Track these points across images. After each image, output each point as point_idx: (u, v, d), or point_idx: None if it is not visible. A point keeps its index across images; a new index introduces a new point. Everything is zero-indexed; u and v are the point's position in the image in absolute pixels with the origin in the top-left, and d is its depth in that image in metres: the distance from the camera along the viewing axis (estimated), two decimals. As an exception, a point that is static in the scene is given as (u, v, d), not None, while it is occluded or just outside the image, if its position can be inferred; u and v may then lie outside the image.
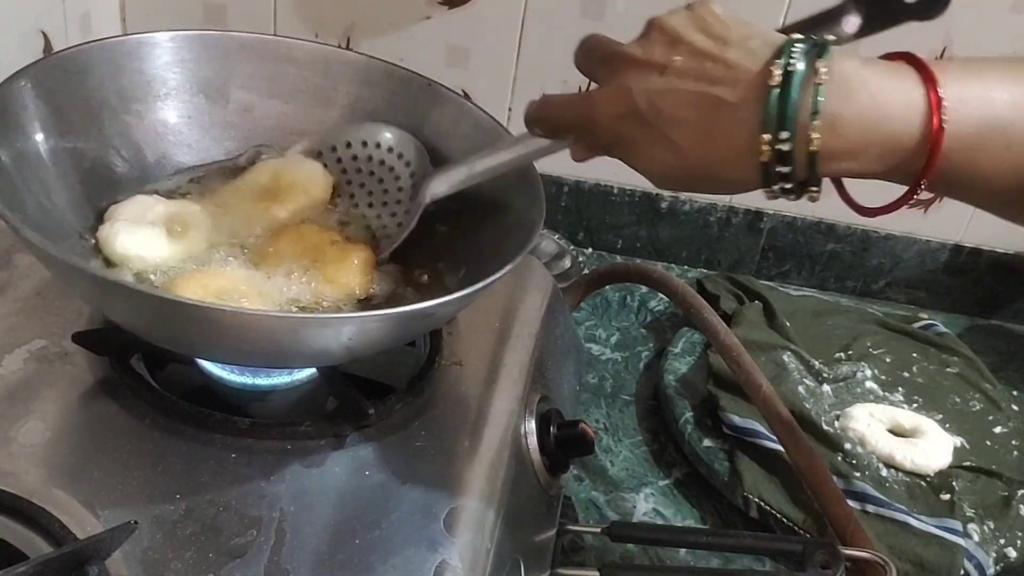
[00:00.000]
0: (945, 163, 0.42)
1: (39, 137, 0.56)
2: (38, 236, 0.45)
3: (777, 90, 0.42)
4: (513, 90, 0.99)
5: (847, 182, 0.49)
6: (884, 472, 0.77)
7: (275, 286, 0.58)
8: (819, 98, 0.42)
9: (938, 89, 0.42)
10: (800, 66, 0.42)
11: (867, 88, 0.42)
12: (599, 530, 0.62)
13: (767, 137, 0.42)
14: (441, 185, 0.62)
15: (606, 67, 0.48)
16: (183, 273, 0.57)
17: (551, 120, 0.53)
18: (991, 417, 0.86)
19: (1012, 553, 0.71)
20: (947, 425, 0.83)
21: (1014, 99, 0.42)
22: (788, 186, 0.44)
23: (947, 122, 0.41)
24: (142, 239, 0.57)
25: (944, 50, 0.90)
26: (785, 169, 0.43)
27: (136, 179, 0.62)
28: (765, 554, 0.68)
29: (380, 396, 0.55)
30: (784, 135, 0.42)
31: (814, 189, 0.44)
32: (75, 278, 0.48)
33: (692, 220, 1.05)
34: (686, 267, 1.07)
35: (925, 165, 0.42)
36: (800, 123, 0.42)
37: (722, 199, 1.03)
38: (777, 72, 0.42)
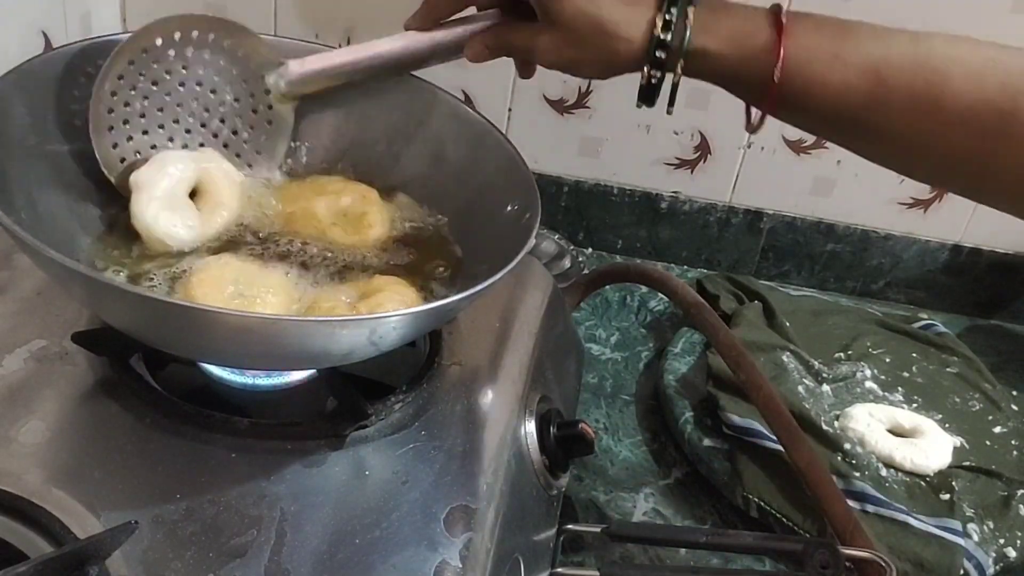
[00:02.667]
0: (787, 61, 0.53)
1: (33, 137, 0.56)
2: (30, 236, 0.45)
3: None
4: (513, 90, 0.99)
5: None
6: (884, 472, 0.77)
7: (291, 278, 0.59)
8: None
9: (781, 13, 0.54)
10: None
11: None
12: (599, 530, 0.62)
13: (662, 12, 0.55)
14: (296, 69, 0.63)
15: None
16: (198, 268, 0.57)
17: None
18: (991, 417, 0.86)
19: (1012, 553, 0.71)
20: (947, 425, 0.83)
21: (844, 26, 0.54)
22: (662, 56, 0.55)
23: (786, 23, 0.53)
24: (175, 222, 0.58)
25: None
26: (667, 36, 0.55)
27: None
28: (765, 554, 0.68)
29: (380, 396, 0.55)
30: (672, 11, 0.54)
31: (680, 66, 0.55)
32: (68, 279, 0.48)
33: (692, 220, 1.05)
34: (686, 267, 1.07)
35: (774, 52, 0.53)
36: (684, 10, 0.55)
37: (721, 198, 1.03)
38: None
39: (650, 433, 0.82)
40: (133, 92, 0.60)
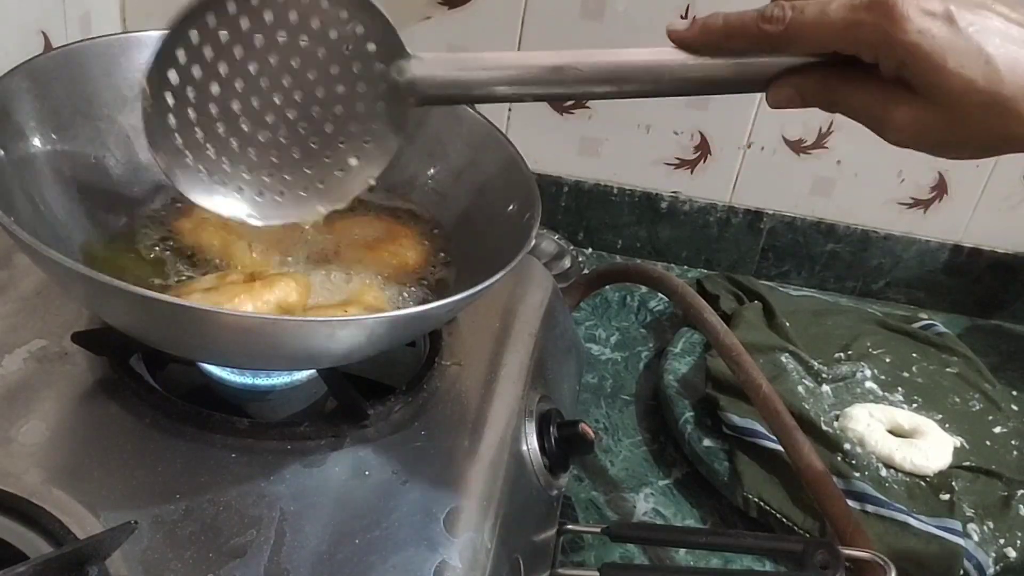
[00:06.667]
0: None
1: (33, 136, 0.56)
2: (29, 235, 0.45)
3: None
4: (513, 90, 0.99)
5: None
6: (884, 472, 0.77)
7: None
8: None
9: None
10: None
11: None
12: (599, 530, 0.62)
13: None
14: (436, 69, 0.49)
15: None
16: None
17: (807, 26, 0.45)
18: (991, 417, 0.86)
19: (1012, 553, 0.71)
20: (947, 425, 0.83)
21: None
22: None
23: None
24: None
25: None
26: None
27: (129, 181, 0.62)
28: (765, 554, 0.68)
29: (380, 396, 0.55)
30: None
31: None
32: (68, 279, 0.48)
33: (692, 220, 1.05)
34: (686, 267, 1.07)
35: None
36: None
37: (721, 198, 1.03)
38: None
39: (650, 433, 0.82)
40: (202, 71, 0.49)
